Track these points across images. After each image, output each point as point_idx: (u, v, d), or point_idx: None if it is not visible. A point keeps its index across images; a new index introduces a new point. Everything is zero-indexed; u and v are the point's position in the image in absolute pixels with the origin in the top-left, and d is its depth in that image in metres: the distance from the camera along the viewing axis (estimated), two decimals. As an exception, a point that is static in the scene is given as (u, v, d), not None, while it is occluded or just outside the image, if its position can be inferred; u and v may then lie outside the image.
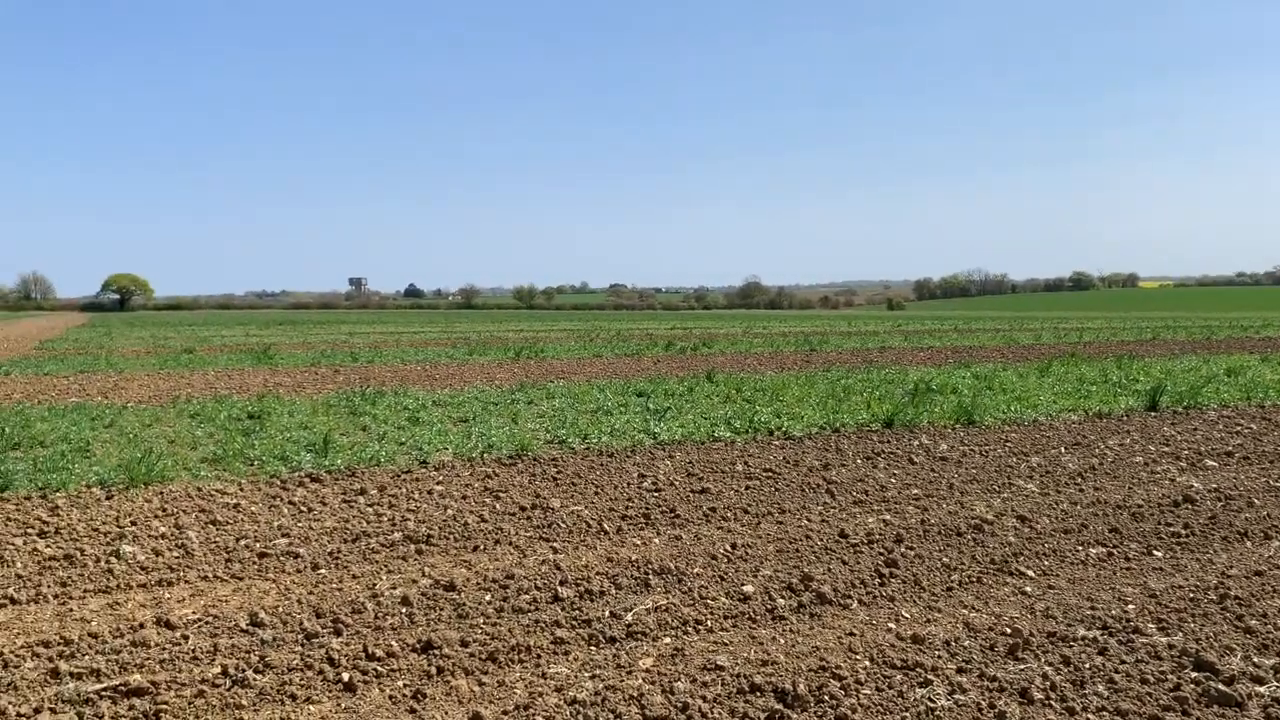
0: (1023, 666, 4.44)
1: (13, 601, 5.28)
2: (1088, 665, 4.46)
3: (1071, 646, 4.68)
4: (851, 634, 4.87)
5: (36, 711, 3.94)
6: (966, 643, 4.73)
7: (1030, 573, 5.91)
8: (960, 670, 4.39)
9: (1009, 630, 4.87)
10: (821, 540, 6.55)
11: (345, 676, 4.30)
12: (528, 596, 5.38)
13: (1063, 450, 10.13)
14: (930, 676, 4.29)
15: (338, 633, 4.83)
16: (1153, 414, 12.94)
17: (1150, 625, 4.97)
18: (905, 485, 8.33)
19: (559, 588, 5.49)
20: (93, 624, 4.91)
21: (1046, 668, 4.43)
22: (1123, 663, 4.50)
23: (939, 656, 4.55)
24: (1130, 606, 5.25)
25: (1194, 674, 4.37)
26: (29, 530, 6.70)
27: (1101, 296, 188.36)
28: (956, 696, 4.12)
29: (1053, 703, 4.08)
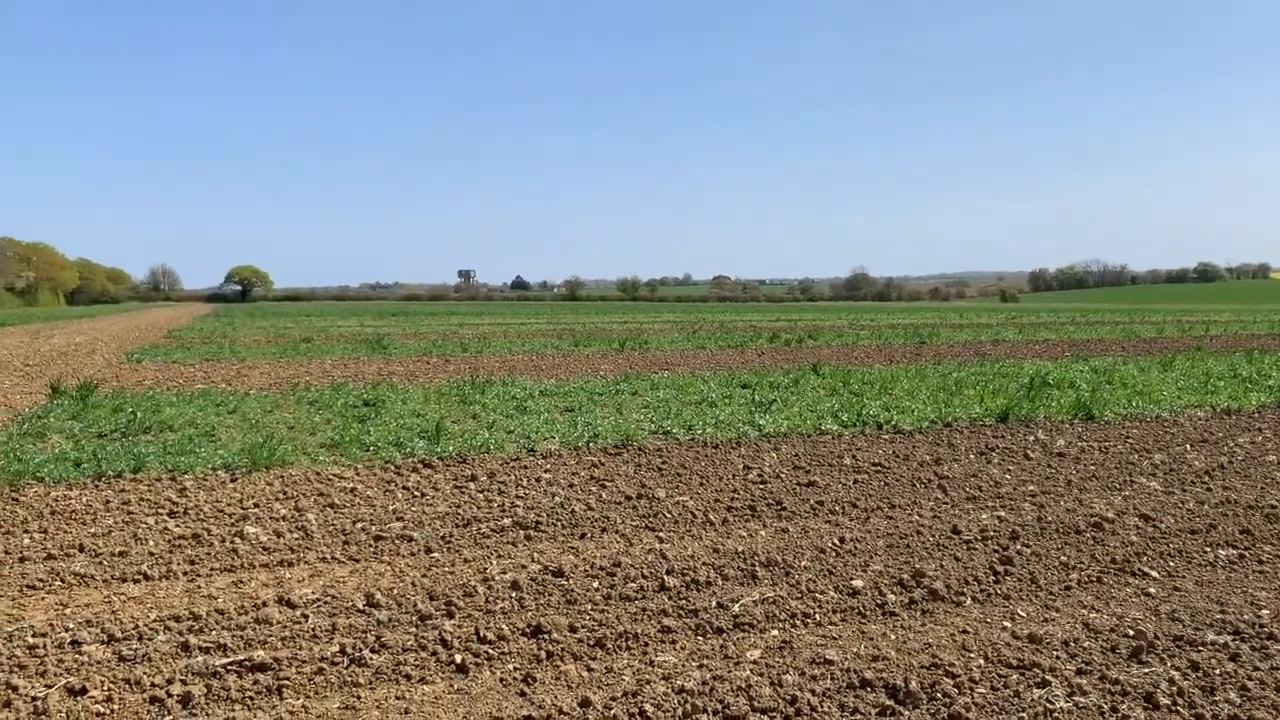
0: (1147, 670, 4.27)
1: (146, 578, 5.54)
2: (1218, 671, 4.26)
3: (1200, 651, 4.48)
4: (965, 631, 4.75)
5: (169, 682, 4.12)
6: (1086, 644, 4.57)
7: (1154, 573, 5.68)
8: (1080, 672, 4.25)
9: (1132, 632, 4.69)
10: (933, 536, 6.42)
11: (458, 658, 4.38)
12: (635, 585, 5.40)
13: (1188, 447, 9.71)
14: (1048, 677, 4.16)
15: (450, 615, 4.93)
16: (1287, 411, 12.30)
17: (1286, 631, 4.73)
18: (1021, 481, 8.10)
19: (665, 577, 5.49)
20: (219, 601, 5.12)
21: (1173, 672, 4.25)
22: (1256, 669, 4.29)
23: (1057, 657, 4.41)
24: (1264, 611, 5.00)
25: (1335, 684, 4.14)
26: (160, 510, 7.02)
27: (1229, 288, 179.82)
28: (1076, 698, 3.98)
29: (1180, 709, 3.91)
